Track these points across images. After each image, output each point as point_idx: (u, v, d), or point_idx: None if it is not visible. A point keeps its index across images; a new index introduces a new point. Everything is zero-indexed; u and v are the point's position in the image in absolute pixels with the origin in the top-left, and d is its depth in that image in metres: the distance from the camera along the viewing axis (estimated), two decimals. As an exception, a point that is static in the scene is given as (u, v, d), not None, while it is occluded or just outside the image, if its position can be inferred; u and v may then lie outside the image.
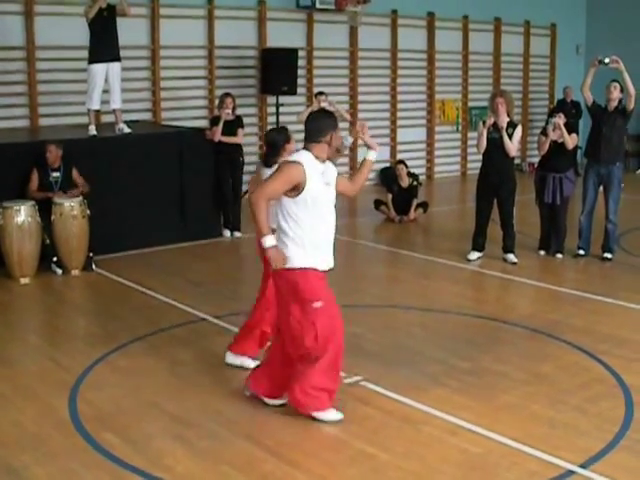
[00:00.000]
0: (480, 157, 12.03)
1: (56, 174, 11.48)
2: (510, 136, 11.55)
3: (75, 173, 11.61)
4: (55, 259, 11.27)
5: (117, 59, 12.63)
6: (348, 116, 16.27)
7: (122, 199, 12.34)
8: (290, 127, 17.06)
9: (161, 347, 8.43)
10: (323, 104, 15.10)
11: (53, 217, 11.11)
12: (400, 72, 19.99)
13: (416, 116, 20.45)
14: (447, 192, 19.56)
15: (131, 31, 14.50)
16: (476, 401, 7.02)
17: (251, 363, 7.58)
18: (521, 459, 5.98)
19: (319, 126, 6.48)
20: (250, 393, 6.92)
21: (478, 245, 12.13)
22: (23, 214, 10.86)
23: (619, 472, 5.78)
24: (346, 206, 16.22)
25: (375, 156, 6.87)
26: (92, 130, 12.64)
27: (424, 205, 15.41)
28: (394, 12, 19.54)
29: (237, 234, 13.74)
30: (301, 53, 17.70)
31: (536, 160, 13.49)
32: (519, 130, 11.73)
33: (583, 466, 5.84)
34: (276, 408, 6.84)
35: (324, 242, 6.50)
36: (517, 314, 9.65)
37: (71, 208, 11.15)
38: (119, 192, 12.30)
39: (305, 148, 6.46)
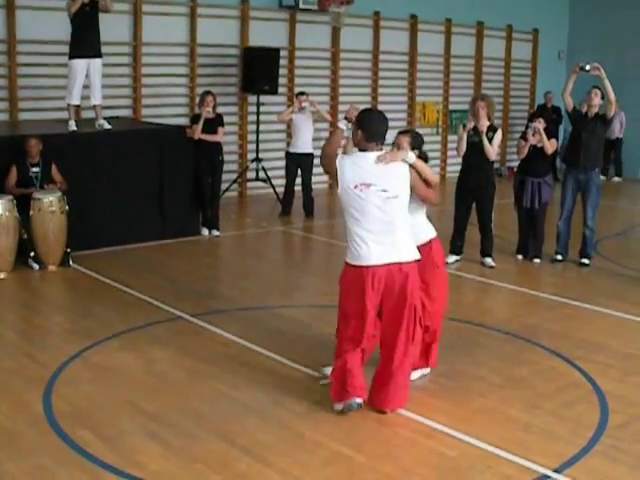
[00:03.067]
0: (460, 160, 12.07)
1: (36, 169, 11.42)
2: (490, 140, 11.58)
3: (54, 169, 11.54)
4: (32, 254, 11.21)
5: (98, 55, 12.57)
6: (328, 116, 16.28)
7: (101, 195, 12.28)
8: (270, 127, 17.24)
9: (137, 344, 8.40)
10: (304, 104, 15.13)
11: (31, 212, 11.06)
12: (381, 74, 19.99)
13: (397, 118, 20.39)
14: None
15: (113, 27, 14.42)
16: (452, 404, 7.03)
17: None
18: (496, 463, 5.99)
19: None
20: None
21: (456, 248, 12.15)
22: (0, 208, 10.79)
23: (593, 477, 5.80)
24: (325, 208, 16.23)
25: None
26: (72, 125, 12.59)
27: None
28: (377, 14, 19.54)
29: (215, 232, 13.71)
30: (283, 53, 17.69)
31: (515, 164, 13.51)
32: (499, 134, 11.76)
33: (557, 471, 5.86)
34: (251, 408, 6.83)
35: None
36: (494, 318, 9.67)
37: (50, 203, 11.10)
38: (98, 188, 12.24)
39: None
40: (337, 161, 6.58)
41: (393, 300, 6.57)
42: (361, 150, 6.66)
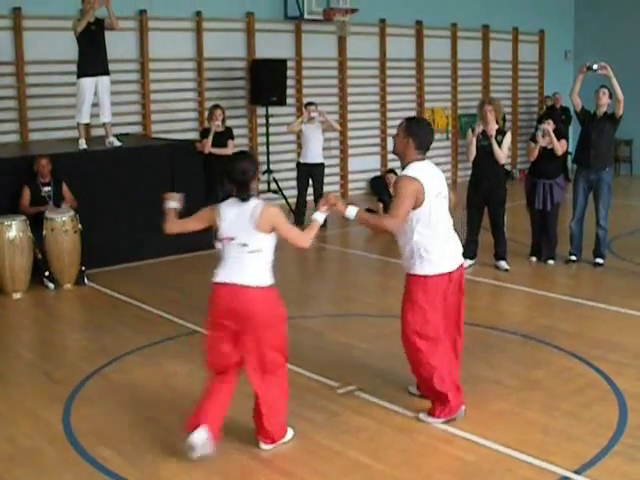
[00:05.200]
0: (470, 165, 12.07)
1: (47, 188, 11.49)
2: (499, 143, 11.58)
3: (65, 188, 11.60)
4: (47, 274, 11.26)
5: (106, 73, 12.62)
6: (338, 126, 16.29)
7: (114, 212, 12.34)
8: (280, 138, 17.26)
9: (155, 360, 8.43)
10: (313, 114, 15.13)
11: (45, 232, 11.11)
12: (389, 81, 20.00)
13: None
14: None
15: (120, 44, 14.51)
16: (469, 408, 7.01)
17: None
18: (515, 466, 5.99)
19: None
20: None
21: (470, 253, 12.12)
22: (14, 229, 10.85)
23: (613, 477, 5.80)
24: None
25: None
26: (82, 144, 12.64)
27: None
28: (382, 21, 19.56)
29: (229, 246, 13.69)
30: (290, 64, 17.72)
31: (527, 166, 13.51)
32: (508, 137, 11.76)
33: (577, 472, 5.85)
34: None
35: None
36: (509, 321, 9.66)
37: (63, 223, 11.14)
38: (110, 205, 12.30)
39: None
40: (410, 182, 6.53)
41: None
42: (410, 161, 6.68)
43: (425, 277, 6.61)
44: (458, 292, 6.84)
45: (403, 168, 6.72)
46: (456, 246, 6.87)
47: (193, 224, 6.68)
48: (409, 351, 6.78)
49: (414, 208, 6.50)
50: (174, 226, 6.83)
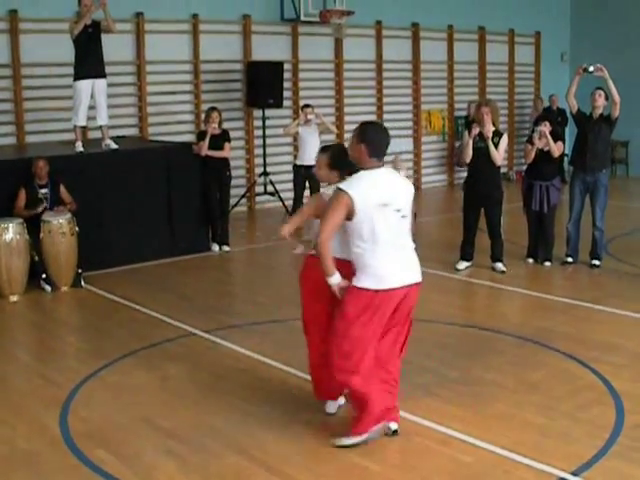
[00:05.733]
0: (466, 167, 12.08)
1: (45, 190, 11.46)
2: (496, 145, 11.58)
3: (63, 190, 11.58)
4: (44, 276, 11.25)
5: (102, 75, 12.60)
6: (334, 128, 16.29)
7: (110, 215, 12.34)
8: (277, 140, 17.29)
9: (152, 362, 8.43)
10: (310, 117, 15.14)
11: (42, 235, 11.09)
12: (386, 83, 20.02)
13: (402, 127, 20.47)
14: (435, 202, 19.61)
15: (116, 47, 14.50)
16: (467, 410, 7.03)
17: None
18: (512, 467, 5.99)
19: None
20: None
21: (466, 254, 12.15)
22: (11, 232, 10.83)
23: (611, 478, 5.80)
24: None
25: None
26: (79, 147, 12.62)
27: (412, 215, 15.37)
28: (378, 23, 19.58)
29: (225, 248, 13.72)
30: (286, 66, 17.73)
31: (523, 168, 13.52)
32: (505, 139, 11.76)
33: (575, 473, 5.85)
34: (266, 421, 6.85)
35: None
36: (506, 323, 9.66)
37: (60, 225, 11.13)
38: (107, 208, 12.30)
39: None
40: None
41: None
42: (363, 168, 6.26)
43: (359, 290, 6.17)
44: (400, 316, 6.38)
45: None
46: (407, 265, 6.39)
47: None
48: (330, 359, 6.44)
49: (348, 220, 6.12)
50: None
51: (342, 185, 6.15)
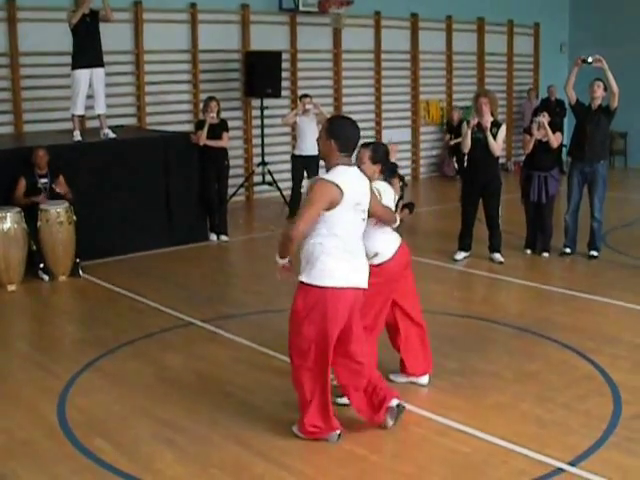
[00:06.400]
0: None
1: (44, 180, 11.44)
2: (494, 136, 11.57)
3: (61, 180, 11.54)
4: (42, 265, 11.23)
5: (101, 64, 12.59)
6: (332, 118, 16.24)
7: (108, 204, 12.31)
8: (275, 130, 17.27)
9: (149, 352, 8.43)
10: (308, 106, 15.11)
11: (39, 224, 11.08)
12: (384, 73, 19.98)
13: (401, 117, 20.47)
14: (433, 192, 19.60)
15: (114, 36, 14.46)
16: (465, 401, 7.04)
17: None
18: (510, 458, 6.00)
19: None
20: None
21: (464, 245, 12.15)
22: (9, 221, 10.81)
23: (608, 469, 5.80)
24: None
25: None
26: (77, 136, 12.61)
27: (410, 206, 15.22)
28: (377, 13, 19.54)
29: (223, 238, 13.72)
30: (285, 56, 17.71)
31: (522, 159, 13.52)
32: (503, 130, 11.74)
33: (572, 464, 5.86)
34: (264, 411, 6.86)
35: None
36: (504, 313, 9.67)
37: (57, 214, 11.12)
38: (105, 197, 12.27)
39: None
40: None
41: None
42: (334, 164, 6.16)
43: (309, 286, 6.13)
44: (349, 317, 6.22)
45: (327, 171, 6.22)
46: (358, 268, 6.24)
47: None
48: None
49: (326, 210, 6.00)
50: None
51: (328, 176, 6.07)
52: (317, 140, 6.33)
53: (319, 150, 6.39)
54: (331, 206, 5.99)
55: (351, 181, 6.09)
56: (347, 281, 6.11)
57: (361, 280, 6.24)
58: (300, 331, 6.17)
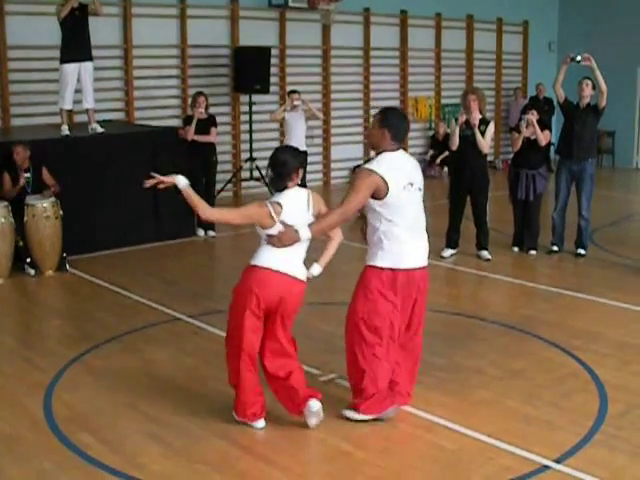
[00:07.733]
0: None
1: (27, 174, 11.39)
2: (483, 133, 11.59)
3: (45, 173, 11.48)
4: (29, 260, 11.21)
5: (89, 59, 12.56)
6: (320, 115, 16.24)
7: (95, 199, 12.30)
8: (263, 126, 17.22)
9: (136, 347, 8.42)
10: (296, 102, 15.09)
11: (26, 218, 11.04)
12: (373, 70, 19.99)
13: (389, 114, 20.46)
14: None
15: (103, 30, 14.44)
16: (451, 397, 7.05)
17: None
18: (496, 454, 6.01)
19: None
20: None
21: (452, 242, 12.16)
22: (-4, 215, 10.80)
23: (593, 466, 5.81)
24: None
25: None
26: (65, 130, 12.58)
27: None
28: (366, 10, 19.54)
29: (211, 233, 13.71)
30: (274, 51, 17.69)
31: (510, 157, 13.54)
32: (491, 127, 11.77)
33: (558, 461, 5.88)
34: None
35: None
36: (491, 310, 9.69)
37: (44, 209, 11.09)
38: (92, 192, 12.25)
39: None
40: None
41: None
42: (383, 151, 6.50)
43: (382, 269, 6.48)
44: (417, 293, 6.74)
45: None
46: (422, 246, 6.80)
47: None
48: (352, 340, 6.58)
49: (378, 199, 6.34)
50: (213, 212, 6.97)
51: (370, 165, 6.38)
52: (369, 130, 6.71)
53: (369, 138, 6.62)
54: (377, 194, 6.30)
55: (397, 166, 6.44)
56: (413, 262, 6.66)
57: (422, 259, 6.81)
58: (378, 310, 6.49)
